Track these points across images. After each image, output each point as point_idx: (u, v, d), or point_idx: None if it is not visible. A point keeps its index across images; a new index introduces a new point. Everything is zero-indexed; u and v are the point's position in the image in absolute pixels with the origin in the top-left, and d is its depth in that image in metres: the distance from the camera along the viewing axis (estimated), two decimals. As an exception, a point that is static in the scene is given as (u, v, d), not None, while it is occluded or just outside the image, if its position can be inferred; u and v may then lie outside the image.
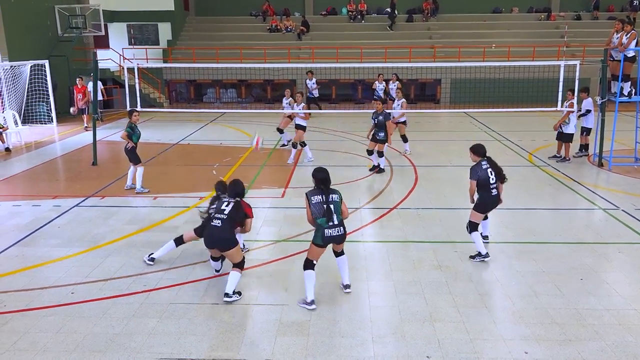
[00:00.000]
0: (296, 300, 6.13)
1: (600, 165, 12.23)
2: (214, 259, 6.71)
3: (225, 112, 21.46)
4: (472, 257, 7.22)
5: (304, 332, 5.50)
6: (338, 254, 6.32)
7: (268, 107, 22.75)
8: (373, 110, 12.06)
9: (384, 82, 18.31)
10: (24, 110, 18.53)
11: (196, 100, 26.14)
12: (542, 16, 28.83)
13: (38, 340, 5.37)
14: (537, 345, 5.22)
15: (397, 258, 7.32)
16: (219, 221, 6.17)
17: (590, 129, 13.02)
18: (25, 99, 18.62)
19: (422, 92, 26.18)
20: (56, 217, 9.08)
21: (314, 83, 20.11)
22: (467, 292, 6.32)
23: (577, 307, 5.93)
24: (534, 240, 7.91)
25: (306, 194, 6.06)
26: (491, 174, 7.11)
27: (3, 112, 16.84)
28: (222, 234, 6.15)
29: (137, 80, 16.74)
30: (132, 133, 10.36)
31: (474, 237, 7.20)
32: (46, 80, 18.80)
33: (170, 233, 8.28)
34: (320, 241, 5.96)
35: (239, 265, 6.24)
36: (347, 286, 6.34)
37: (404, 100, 13.86)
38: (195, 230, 6.92)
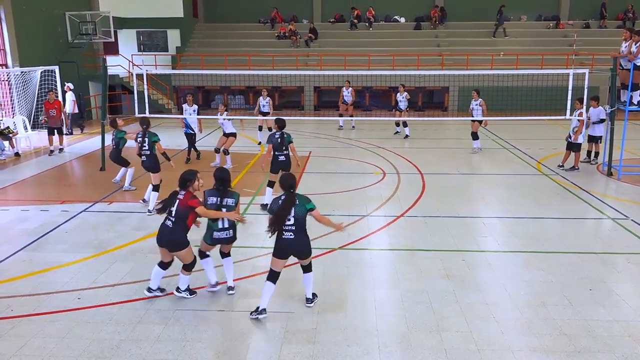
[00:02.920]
0: (302, 308, 6.10)
1: (610, 174, 12.14)
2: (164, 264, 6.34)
3: (232, 119, 21.49)
4: None
5: (310, 340, 5.47)
6: (225, 254, 6.48)
7: (275, 114, 22.75)
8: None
9: (405, 93, 17.88)
10: (34, 116, 18.67)
11: (204, 106, 26.23)
12: (551, 24, 28.77)
13: (44, 345, 5.38)
14: (546, 357, 5.16)
15: (404, 266, 7.28)
16: (170, 222, 6.03)
17: (599, 137, 12.96)
18: (35, 105, 18.76)
19: (429, 100, 26.16)
20: (64, 222, 9.12)
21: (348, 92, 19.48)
22: (475, 301, 6.27)
23: (586, 318, 5.87)
24: (542, 250, 7.84)
25: (205, 192, 6.24)
26: None
27: (13, 117, 16.97)
28: (170, 235, 6.01)
29: (145, 87, 16.84)
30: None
31: None
32: (56, 86, 18.94)
33: (177, 239, 8.30)
34: (208, 240, 6.29)
35: (188, 268, 6.31)
36: (230, 288, 6.47)
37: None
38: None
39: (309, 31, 27.97)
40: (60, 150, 15.28)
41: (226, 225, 6.20)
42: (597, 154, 13.33)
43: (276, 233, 5.75)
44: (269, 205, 6.01)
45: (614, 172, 12.14)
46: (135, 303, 6.25)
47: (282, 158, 9.45)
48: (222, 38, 28.57)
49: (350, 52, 25.67)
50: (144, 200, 10.06)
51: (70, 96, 18.55)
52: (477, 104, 14.72)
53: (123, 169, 11.22)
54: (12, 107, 17.69)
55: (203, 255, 6.46)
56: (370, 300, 6.28)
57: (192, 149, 14.11)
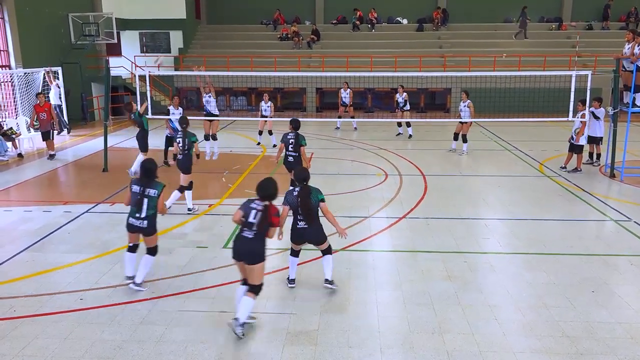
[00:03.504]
0: (304, 309, 6.11)
1: (612, 176, 12.12)
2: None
3: (235, 120, 21.55)
4: None
5: (312, 341, 5.47)
6: (148, 250, 6.56)
7: (278, 115, 22.80)
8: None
9: (404, 94, 17.88)
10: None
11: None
12: (554, 26, 28.75)
13: (47, 346, 5.39)
14: (548, 358, 5.16)
15: (406, 268, 7.28)
16: (250, 233, 5.54)
17: (600, 138, 12.94)
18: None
19: (432, 101, 26.16)
20: (66, 223, 9.14)
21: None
22: (477, 303, 6.27)
23: (588, 320, 5.86)
24: (544, 251, 7.83)
25: (132, 179, 6.44)
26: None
27: (16, 118, 17.02)
28: (252, 246, 5.54)
29: (148, 88, 16.86)
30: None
31: None
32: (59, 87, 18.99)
33: (179, 240, 8.33)
34: (126, 225, 6.44)
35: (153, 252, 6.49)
36: (132, 279, 6.55)
37: None
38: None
39: (312, 32, 28.00)
40: (51, 156, 14.44)
41: (143, 215, 6.27)
42: (599, 155, 13.30)
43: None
44: (284, 198, 6.22)
45: (617, 174, 12.12)
46: (138, 304, 6.26)
47: (290, 158, 9.62)
48: (224, 39, 28.62)
49: (353, 53, 25.69)
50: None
51: (56, 90, 18.20)
52: (465, 105, 14.63)
53: (139, 156, 11.79)
54: (15, 108, 17.74)
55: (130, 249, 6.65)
56: (372, 302, 6.28)
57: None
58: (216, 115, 13.95)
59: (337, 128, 19.47)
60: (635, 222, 9.11)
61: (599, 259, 7.58)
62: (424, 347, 5.35)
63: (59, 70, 18.87)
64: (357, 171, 12.98)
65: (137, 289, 6.50)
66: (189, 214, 9.58)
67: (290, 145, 9.59)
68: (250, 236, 5.49)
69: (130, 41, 27.31)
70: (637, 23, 27.86)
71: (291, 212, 6.29)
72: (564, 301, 6.30)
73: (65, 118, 19.11)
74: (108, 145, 13.43)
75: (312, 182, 11.12)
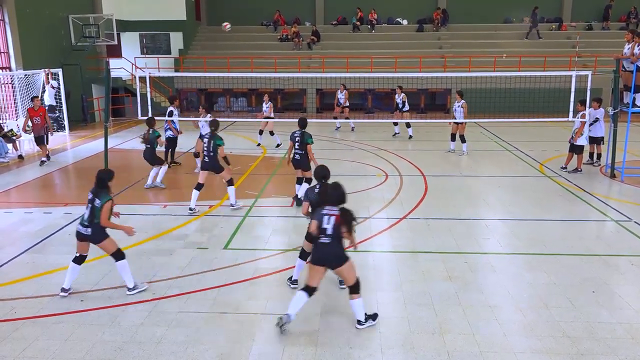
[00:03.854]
0: (305, 310, 6.09)
1: (613, 176, 12.11)
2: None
3: (235, 121, 21.55)
4: None
5: (313, 342, 5.47)
6: (78, 258, 6.48)
7: (278, 116, 22.81)
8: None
9: (402, 94, 17.89)
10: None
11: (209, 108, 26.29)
12: (554, 26, 28.75)
13: (47, 347, 5.39)
14: (548, 359, 5.16)
15: (406, 269, 7.28)
16: (327, 239, 5.58)
17: (601, 138, 12.93)
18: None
19: (432, 102, 26.16)
20: (67, 225, 9.14)
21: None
22: (477, 303, 6.27)
23: (589, 320, 5.86)
24: (544, 252, 7.83)
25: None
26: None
27: (16, 120, 17.04)
28: (335, 250, 5.60)
29: (148, 89, 16.87)
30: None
31: None
32: (59, 89, 19.02)
33: (180, 241, 8.33)
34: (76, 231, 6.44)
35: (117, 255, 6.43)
36: (66, 291, 6.46)
37: None
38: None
39: (312, 33, 28.02)
40: (42, 162, 13.93)
41: (86, 222, 6.31)
42: (599, 155, 13.30)
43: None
44: (305, 193, 6.33)
45: (617, 174, 12.12)
46: (138, 305, 6.26)
47: (296, 156, 9.76)
48: (224, 40, 28.64)
49: (353, 54, 25.70)
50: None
51: (50, 91, 18.00)
52: (459, 106, 14.63)
53: (153, 171, 11.44)
54: (15, 110, 17.75)
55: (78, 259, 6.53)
56: (372, 302, 6.27)
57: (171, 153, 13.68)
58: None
59: (337, 128, 19.49)
60: (635, 222, 9.11)
61: (599, 259, 7.58)
62: (425, 348, 5.35)
63: (59, 71, 18.90)
64: (357, 172, 12.99)
65: (130, 293, 6.45)
66: (233, 207, 9.88)
67: (297, 143, 9.74)
68: (328, 241, 5.57)
69: (130, 43, 27.33)
70: (637, 23, 27.85)
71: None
72: (564, 301, 6.29)
73: (66, 119, 19.15)
74: (108, 147, 13.43)
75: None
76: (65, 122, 19.25)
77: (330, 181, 6.12)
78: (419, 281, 6.87)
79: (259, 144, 16.33)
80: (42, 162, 14.01)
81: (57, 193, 11.53)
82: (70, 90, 20.19)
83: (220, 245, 8.17)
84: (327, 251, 5.58)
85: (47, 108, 17.35)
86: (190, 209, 9.70)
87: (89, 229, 6.31)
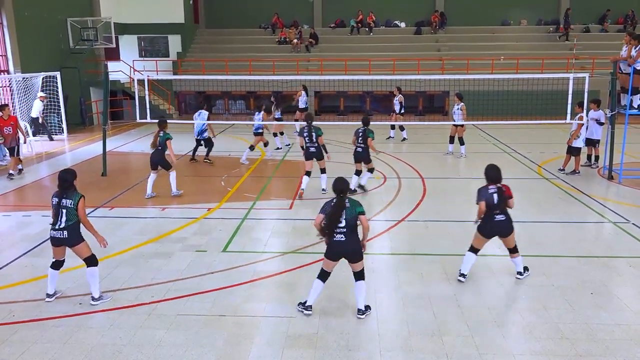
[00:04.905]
0: (305, 312, 6.10)
1: (611, 178, 12.14)
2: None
3: (234, 124, 21.55)
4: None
5: (312, 345, 5.47)
6: (56, 263, 6.44)
7: (276, 119, 22.82)
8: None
9: (399, 95, 17.88)
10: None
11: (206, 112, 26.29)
12: (551, 28, 28.82)
13: (46, 351, 5.39)
14: (547, 361, 5.17)
15: (405, 271, 7.28)
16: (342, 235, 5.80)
17: (598, 140, 12.97)
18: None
19: (430, 104, 26.19)
20: (66, 228, 9.12)
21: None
22: (476, 305, 6.27)
23: (587, 322, 5.86)
24: (543, 254, 7.85)
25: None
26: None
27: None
28: (354, 245, 5.88)
29: (147, 92, 16.89)
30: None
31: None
32: (57, 92, 19.02)
33: (179, 244, 8.33)
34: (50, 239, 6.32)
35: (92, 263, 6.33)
36: (52, 297, 6.40)
37: None
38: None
39: (310, 36, 28.05)
40: (10, 176, 12.75)
41: (62, 226, 6.19)
42: (597, 157, 13.33)
43: (328, 236, 5.85)
44: (322, 206, 5.94)
45: (615, 176, 12.14)
46: (137, 308, 6.25)
47: (312, 149, 10.81)
48: (223, 43, 28.64)
49: (351, 57, 25.72)
50: (362, 187, 11.30)
51: (38, 105, 17.79)
52: (458, 108, 14.74)
53: (151, 177, 10.93)
54: (14, 113, 17.72)
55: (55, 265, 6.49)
56: (371, 305, 6.27)
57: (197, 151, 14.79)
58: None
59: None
60: (633, 224, 9.13)
61: (597, 261, 7.59)
62: (424, 350, 5.35)
63: (58, 74, 18.90)
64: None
65: (95, 303, 6.32)
66: (323, 193, 10.84)
67: (307, 138, 10.71)
68: (342, 238, 5.80)
69: (128, 46, 27.32)
70: (634, 26, 27.93)
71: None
72: (563, 303, 6.30)
73: (64, 122, 19.14)
74: (107, 150, 13.43)
75: (310, 185, 11.19)
76: (64, 125, 19.24)
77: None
78: (418, 283, 6.87)
79: (278, 148, 16.33)
80: (10, 176, 12.67)
81: (56, 196, 11.50)
82: (68, 93, 20.18)
83: (219, 248, 8.17)
84: (347, 244, 5.83)
85: (30, 120, 17.39)
86: (324, 190, 10.93)
87: (65, 232, 6.19)
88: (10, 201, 11.14)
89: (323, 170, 11.03)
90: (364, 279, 6.01)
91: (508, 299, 6.45)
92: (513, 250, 6.89)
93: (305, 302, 6.10)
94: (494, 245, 8.21)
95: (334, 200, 5.81)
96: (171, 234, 8.80)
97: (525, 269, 7.06)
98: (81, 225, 6.29)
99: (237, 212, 9.97)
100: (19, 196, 11.52)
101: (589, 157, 13.41)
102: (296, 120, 18.38)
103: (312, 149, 10.78)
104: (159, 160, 10.83)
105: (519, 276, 6.98)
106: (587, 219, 9.66)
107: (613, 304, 6.31)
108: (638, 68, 11.53)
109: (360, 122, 10.90)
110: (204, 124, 14.33)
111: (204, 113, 14.39)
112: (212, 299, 6.48)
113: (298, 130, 14.73)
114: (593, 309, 6.15)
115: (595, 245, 8.27)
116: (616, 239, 8.53)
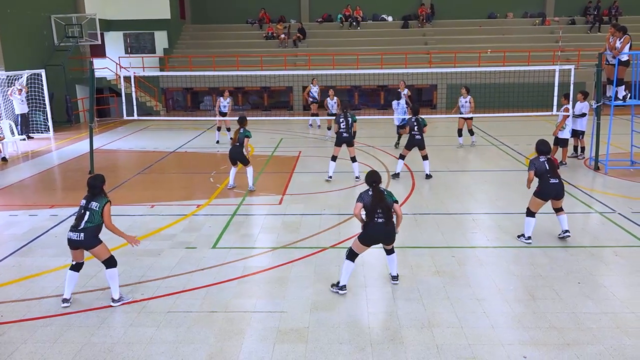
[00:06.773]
0: (294, 307, 6.12)
1: (597, 168, 12.27)
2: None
3: (222, 119, 21.45)
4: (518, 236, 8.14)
5: (303, 339, 5.49)
6: (75, 266, 6.31)
7: (265, 114, 22.81)
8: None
9: (406, 89, 17.52)
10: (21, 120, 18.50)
11: (193, 108, 26.18)
12: (537, 21, 29.00)
13: (35, 350, 5.35)
14: (536, 350, 5.22)
15: (395, 264, 7.31)
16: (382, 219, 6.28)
17: (582, 132, 13.08)
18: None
19: (418, 98, 26.25)
20: (53, 227, 9.06)
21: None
22: (465, 297, 6.33)
23: (575, 311, 5.94)
24: (531, 245, 7.91)
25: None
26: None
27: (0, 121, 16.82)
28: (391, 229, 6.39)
29: (133, 89, 16.75)
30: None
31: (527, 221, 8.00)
32: (43, 90, 18.81)
33: (168, 241, 8.30)
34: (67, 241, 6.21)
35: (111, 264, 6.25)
36: (67, 301, 6.24)
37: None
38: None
39: (297, 31, 27.98)
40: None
41: (80, 227, 6.08)
42: (583, 148, 13.46)
43: (367, 220, 6.31)
44: (360, 195, 6.50)
45: (601, 167, 12.27)
46: (127, 306, 6.23)
47: (345, 135, 11.44)
48: (210, 39, 28.49)
49: (339, 51, 25.71)
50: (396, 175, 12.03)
51: (17, 99, 17.52)
52: (466, 101, 15.02)
53: (232, 170, 11.17)
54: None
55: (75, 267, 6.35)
56: (362, 298, 6.31)
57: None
58: None
59: (310, 126, 19.80)
60: (619, 213, 9.24)
61: (584, 251, 7.68)
62: (414, 342, 5.39)
63: (42, 72, 18.68)
64: (344, 169, 12.98)
65: (116, 305, 6.25)
66: (356, 180, 11.55)
67: (343, 124, 11.35)
68: (381, 220, 6.25)
69: (114, 42, 27.07)
70: (617, 17, 28.17)
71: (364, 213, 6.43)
72: (551, 293, 6.37)
73: (50, 120, 18.94)
74: (94, 148, 13.32)
75: (299, 181, 11.19)
76: (50, 124, 19.04)
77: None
78: (408, 276, 6.91)
79: (217, 142, 16.48)
80: None
81: (43, 195, 11.41)
82: (53, 91, 19.97)
83: (209, 244, 8.15)
84: (385, 229, 6.28)
85: (17, 118, 17.13)
86: (357, 177, 11.62)
87: (82, 234, 6.09)
88: (-4, 201, 11.02)
89: (354, 159, 11.65)
90: (394, 252, 6.64)
91: (497, 290, 6.51)
92: (560, 210, 7.96)
93: (339, 282, 6.45)
94: (482, 237, 8.30)
95: (371, 191, 6.33)
96: (160, 231, 8.76)
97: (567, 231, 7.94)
98: (101, 228, 6.18)
99: (227, 208, 9.94)
100: (6, 195, 11.39)
101: (575, 148, 13.53)
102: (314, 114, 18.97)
103: (346, 134, 11.37)
104: (237, 156, 10.94)
105: (567, 234, 7.94)
106: (573, 209, 9.75)
107: (600, 293, 6.39)
108: (623, 60, 11.66)
109: (412, 113, 12.42)
110: None
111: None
112: (202, 296, 6.47)
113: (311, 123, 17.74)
114: (580, 298, 6.23)
115: (582, 236, 8.37)
116: (603, 229, 8.63)
